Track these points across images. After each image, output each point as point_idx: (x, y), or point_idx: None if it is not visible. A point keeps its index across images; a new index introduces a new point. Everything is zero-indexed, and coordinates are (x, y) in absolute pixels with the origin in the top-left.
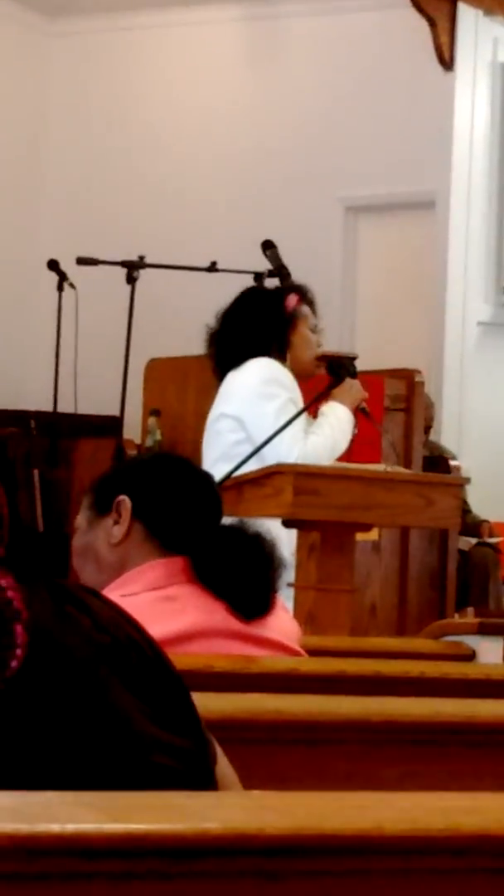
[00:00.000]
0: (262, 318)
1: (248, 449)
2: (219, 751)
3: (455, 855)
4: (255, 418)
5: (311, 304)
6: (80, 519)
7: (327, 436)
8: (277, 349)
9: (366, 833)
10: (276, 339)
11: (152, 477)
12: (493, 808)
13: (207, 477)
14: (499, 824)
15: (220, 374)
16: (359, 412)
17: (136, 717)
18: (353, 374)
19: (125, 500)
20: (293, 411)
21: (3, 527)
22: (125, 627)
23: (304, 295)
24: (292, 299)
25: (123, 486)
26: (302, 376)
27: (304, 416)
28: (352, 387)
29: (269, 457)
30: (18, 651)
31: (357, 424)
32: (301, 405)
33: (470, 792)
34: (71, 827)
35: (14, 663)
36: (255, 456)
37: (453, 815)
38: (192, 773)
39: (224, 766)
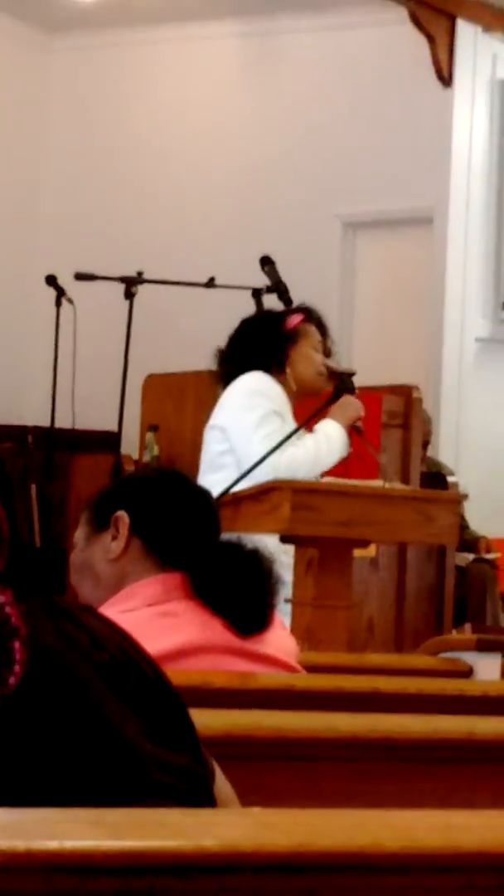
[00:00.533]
0: (261, 336)
1: (232, 459)
2: (217, 769)
3: (454, 872)
4: (237, 429)
5: (319, 323)
6: (79, 535)
7: (308, 450)
8: (276, 365)
9: (364, 850)
10: (275, 355)
11: (150, 493)
12: (492, 826)
13: (205, 493)
14: (497, 841)
15: (225, 385)
16: (353, 430)
17: (134, 734)
18: (351, 389)
19: (123, 516)
20: (276, 422)
21: (3, 544)
22: (123, 645)
23: (311, 314)
24: (294, 318)
25: (121, 501)
26: (307, 393)
27: (301, 431)
28: (349, 404)
29: (245, 462)
30: (17, 668)
31: (351, 443)
32: (288, 419)
33: (468, 809)
34: (69, 844)
35: (12, 680)
36: (236, 464)
37: (452, 832)
38: (190, 791)
39: (222, 784)
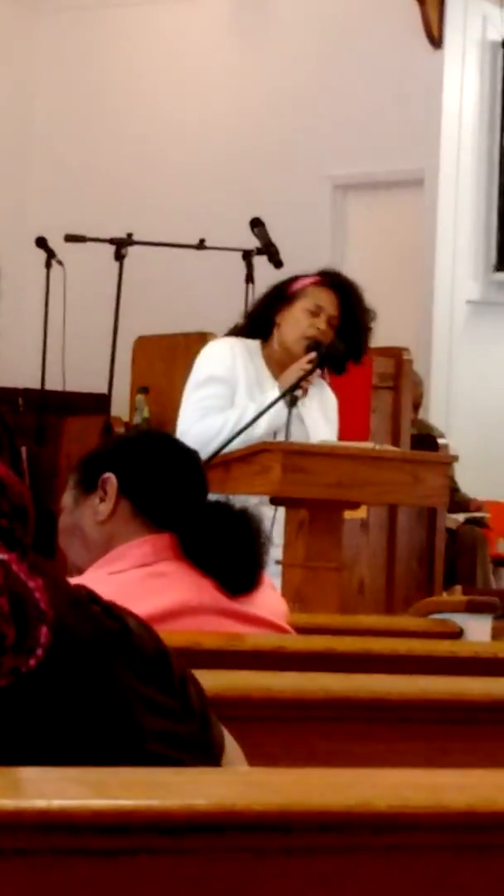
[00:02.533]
0: (264, 298)
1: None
2: (229, 742)
3: (443, 831)
4: (183, 395)
5: (337, 289)
6: (67, 498)
7: (227, 419)
8: (263, 328)
9: (354, 809)
10: (263, 319)
11: (138, 454)
12: (481, 786)
13: (193, 453)
14: (486, 801)
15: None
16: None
17: (142, 708)
18: (339, 351)
19: (111, 478)
20: (213, 388)
21: (29, 521)
22: (129, 621)
23: (327, 279)
24: (304, 280)
25: (109, 463)
26: (286, 353)
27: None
28: (296, 365)
29: (178, 425)
30: (39, 651)
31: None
32: (236, 382)
33: (458, 769)
34: (57, 802)
35: (33, 662)
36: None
37: (441, 791)
38: (195, 763)
39: (234, 758)
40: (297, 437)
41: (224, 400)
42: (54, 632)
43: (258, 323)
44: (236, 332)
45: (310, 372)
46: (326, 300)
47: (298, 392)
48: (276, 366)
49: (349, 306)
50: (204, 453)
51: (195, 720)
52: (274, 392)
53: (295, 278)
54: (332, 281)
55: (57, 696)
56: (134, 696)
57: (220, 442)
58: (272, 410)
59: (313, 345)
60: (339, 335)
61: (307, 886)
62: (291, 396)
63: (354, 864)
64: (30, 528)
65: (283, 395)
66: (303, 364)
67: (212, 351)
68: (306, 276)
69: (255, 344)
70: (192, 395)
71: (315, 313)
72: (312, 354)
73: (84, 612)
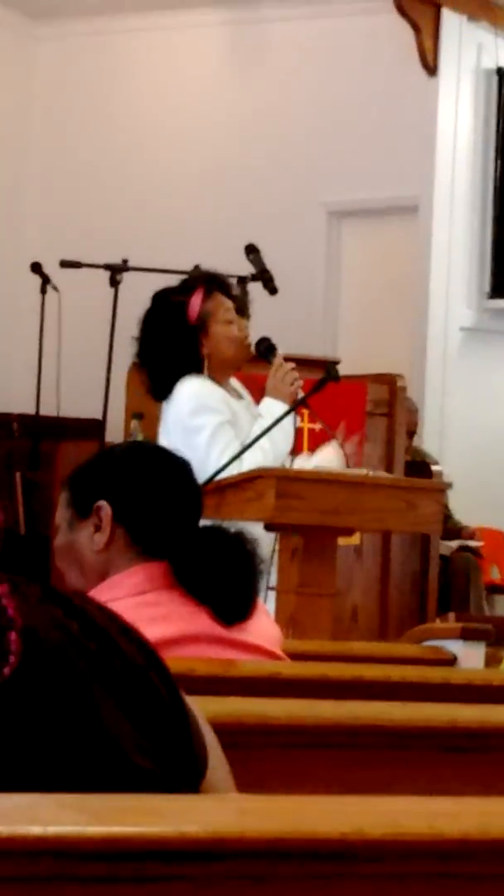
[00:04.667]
0: (170, 340)
1: None
2: (216, 760)
3: (436, 859)
4: (191, 452)
5: (221, 288)
6: (60, 518)
7: (267, 452)
8: (198, 362)
9: (347, 837)
10: (192, 355)
11: (131, 479)
12: (475, 813)
13: (185, 468)
14: (481, 829)
15: (157, 400)
16: (300, 406)
17: (119, 721)
18: (336, 377)
19: (105, 507)
20: (228, 430)
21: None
22: (112, 634)
23: (209, 284)
24: (194, 303)
25: (102, 488)
26: (237, 366)
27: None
28: (282, 379)
29: (202, 475)
30: (12, 658)
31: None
32: (238, 412)
33: (452, 797)
34: (52, 829)
35: (7, 670)
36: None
37: (435, 819)
38: (174, 779)
39: (220, 772)
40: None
41: (236, 441)
42: (24, 638)
43: (192, 366)
44: (166, 376)
45: (317, 389)
46: (226, 302)
47: (300, 394)
48: (225, 385)
49: (232, 294)
50: None
51: (179, 737)
52: (274, 404)
53: (181, 309)
54: (215, 285)
55: (32, 706)
56: (113, 712)
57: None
58: (285, 424)
59: (268, 345)
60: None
61: None
62: (296, 401)
63: (348, 892)
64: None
65: (293, 408)
66: (281, 368)
67: (205, 399)
68: (189, 298)
69: (206, 376)
70: (213, 450)
71: (230, 320)
72: (281, 355)
73: (60, 628)
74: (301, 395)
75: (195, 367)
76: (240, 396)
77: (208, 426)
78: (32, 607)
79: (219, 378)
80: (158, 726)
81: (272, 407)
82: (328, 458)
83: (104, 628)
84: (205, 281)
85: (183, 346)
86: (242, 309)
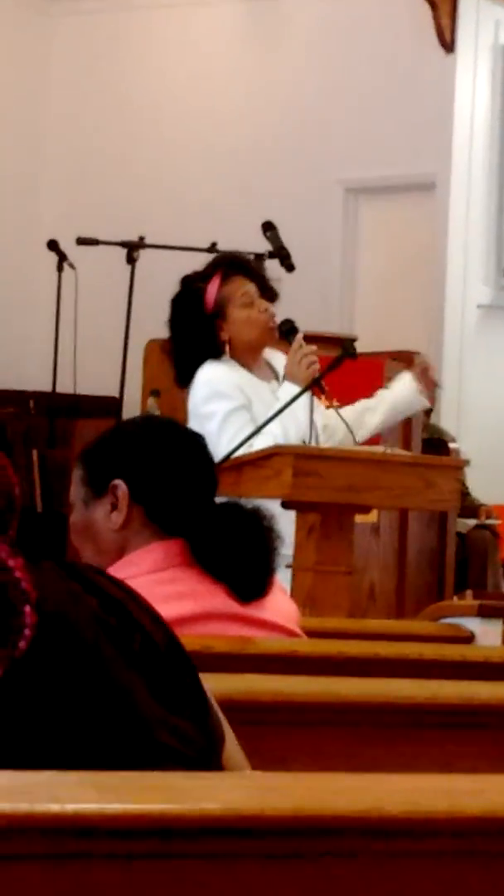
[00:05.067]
0: (190, 327)
1: None
2: (228, 733)
3: (456, 836)
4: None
5: (241, 270)
6: (75, 496)
7: (277, 436)
8: (219, 349)
9: (366, 814)
10: (212, 343)
11: (145, 456)
12: (494, 790)
13: (200, 443)
14: (499, 806)
15: (181, 387)
16: (315, 388)
17: (141, 697)
18: (353, 355)
19: (122, 486)
20: (238, 419)
21: (15, 509)
22: (131, 608)
23: (227, 268)
24: (211, 290)
25: (117, 467)
26: (261, 347)
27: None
28: (300, 361)
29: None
30: (27, 631)
31: (326, 395)
32: (257, 395)
33: (470, 774)
34: (71, 807)
35: (23, 643)
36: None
37: (454, 796)
38: (196, 754)
39: (233, 750)
40: (315, 424)
41: (250, 425)
42: (41, 613)
43: (211, 352)
44: (189, 363)
45: (333, 367)
46: (244, 285)
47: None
48: (255, 367)
49: (256, 275)
50: None
51: (198, 713)
52: (292, 388)
53: (199, 296)
54: (232, 268)
55: (50, 680)
56: (136, 687)
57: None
58: (296, 409)
59: (288, 327)
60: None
61: (319, 891)
62: (314, 383)
63: (367, 869)
64: (16, 514)
65: (307, 388)
66: (299, 350)
67: (218, 385)
68: (206, 285)
69: (227, 360)
70: (223, 438)
71: (250, 303)
72: (300, 336)
73: (79, 603)
74: (322, 384)
75: (214, 354)
76: (276, 377)
77: (219, 413)
78: (50, 582)
79: (247, 361)
80: (179, 702)
81: (288, 391)
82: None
83: (123, 604)
84: (224, 265)
85: (201, 333)
86: (267, 290)
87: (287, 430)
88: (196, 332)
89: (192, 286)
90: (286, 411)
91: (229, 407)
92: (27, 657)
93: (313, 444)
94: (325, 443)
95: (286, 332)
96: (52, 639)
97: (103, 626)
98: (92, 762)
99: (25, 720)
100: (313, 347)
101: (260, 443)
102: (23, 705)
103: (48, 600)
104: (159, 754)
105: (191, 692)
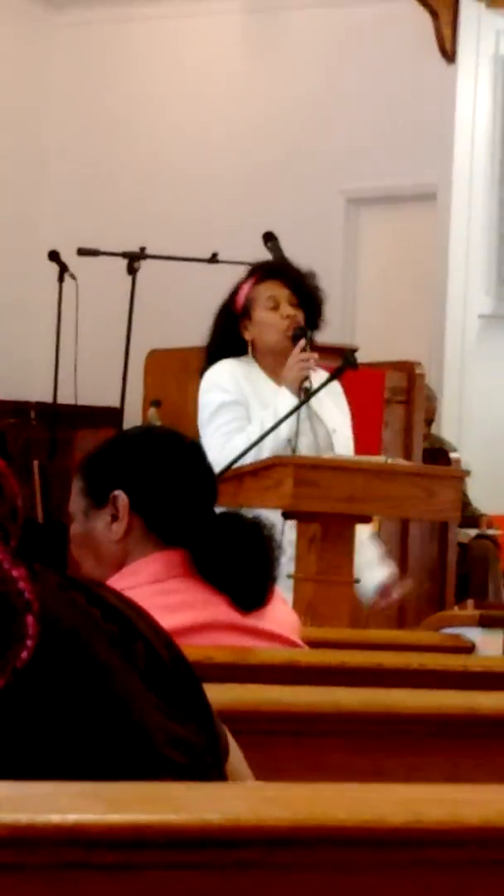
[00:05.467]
0: (218, 325)
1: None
2: (232, 745)
3: (457, 846)
4: (199, 429)
5: (277, 275)
6: (75, 506)
7: (250, 434)
8: (240, 349)
9: (367, 825)
10: (234, 342)
11: (145, 466)
12: (495, 801)
13: (199, 453)
14: (500, 816)
15: None
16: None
17: (145, 709)
18: (354, 365)
19: (122, 496)
20: (228, 413)
21: (18, 518)
22: (133, 619)
23: (263, 272)
24: (242, 291)
25: (117, 477)
26: (279, 353)
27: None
28: (294, 362)
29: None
30: (29, 642)
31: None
32: (246, 399)
33: (471, 784)
34: (72, 817)
35: (25, 654)
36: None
37: (454, 806)
38: (199, 766)
39: (237, 761)
40: (316, 430)
41: (241, 421)
42: (43, 623)
43: (231, 350)
44: (211, 362)
45: (335, 376)
46: (274, 289)
47: (307, 383)
48: (273, 374)
49: (294, 282)
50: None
51: (202, 724)
52: (284, 393)
53: (234, 294)
54: (267, 272)
55: (53, 691)
56: (140, 698)
57: (252, 457)
58: (286, 410)
59: (298, 332)
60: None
61: None
62: (301, 388)
63: (368, 880)
64: (18, 524)
65: (307, 398)
66: (297, 354)
67: (213, 379)
68: (243, 284)
69: (247, 359)
70: (209, 427)
71: (275, 307)
72: (302, 342)
73: (81, 613)
74: (309, 383)
75: (238, 352)
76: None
77: (211, 404)
78: (52, 593)
79: (268, 363)
80: (183, 713)
81: (281, 394)
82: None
83: (125, 615)
84: (263, 268)
85: (228, 331)
86: (305, 299)
87: (265, 429)
88: (224, 330)
89: (236, 286)
90: (269, 413)
91: (221, 399)
92: (29, 667)
93: (323, 446)
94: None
95: (294, 337)
96: (54, 648)
97: (106, 637)
98: (94, 773)
99: (27, 730)
100: (314, 354)
101: (233, 443)
102: (24, 715)
103: (50, 610)
104: (162, 766)
105: (194, 703)
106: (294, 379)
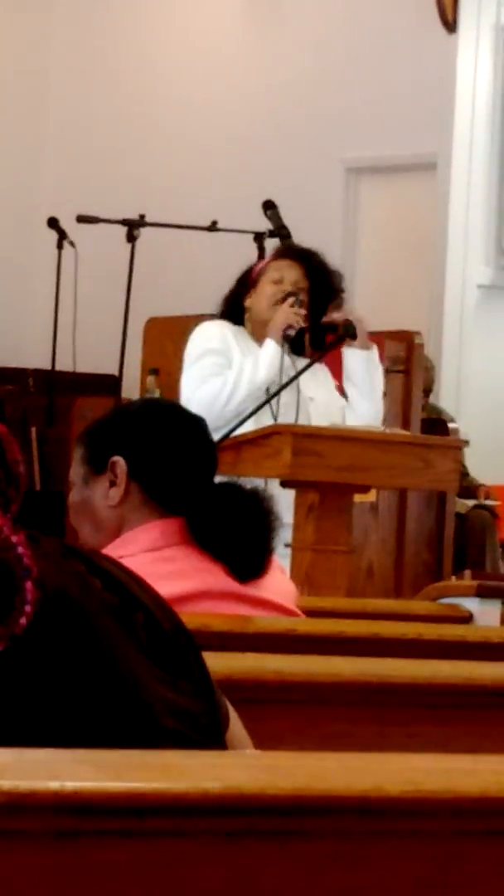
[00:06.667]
0: (233, 292)
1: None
2: (232, 714)
3: (455, 816)
4: (182, 375)
5: (295, 256)
6: (75, 474)
7: (227, 379)
8: (239, 314)
9: (365, 794)
10: (236, 307)
11: (147, 435)
12: (493, 771)
13: (201, 423)
14: (498, 786)
15: None
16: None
17: (145, 678)
18: (353, 335)
19: (120, 462)
20: (213, 357)
21: (20, 486)
22: (133, 589)
23: (284, 251)
24: (261, 264)
25: (117, 444)
26: (265, 325)
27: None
28: (286, 309)
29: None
30: (28, 608)
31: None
32: (230, 352)
33: (468, 754)
34: (71, 784)
35: (23, 620)
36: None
37: (452, 776)
38: (200, 736)
39: (237, 730)
40: (305, 410)
41: (222, 367)
42: (42, 590)
43: (231, 313)
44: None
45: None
46: (286, 268)
47: (290, 331)
48: (261, 341)
49: (313, 269)
50: (210, 416)
51: (202, 694)
52: (268, 342)
53: (253, 266)
54: (289, 252)
55: (55, 661)
56: (141, 667)
57: (225, 399)
58: (269, 355)
59: (287, 296)
60: (313, 299)
61: (318, 870)
62: (285, 335)
63: (366, 849)
64: (20, 492)
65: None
66: (286, 307)
67: (203, 329)
68: (265, 258)
69: (238, 327)
70: (191, 369)
71: (279, 281)
72: (292, 299)
73: (81, 582)
74: (290, 332)
75: (236, 318)
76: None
77: (195, 350)
78: (53, 560)
79: (258, 331)
80: (183, 681)
81: (265, 344)
82: None
83: (126, 585)
84: (284, 248)
85: (235, 300)
86: (318, 284)
87: (242, 373)
88: (234, 298)
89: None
90: (250, 362)
91: (207, 346)
92: (28, 634)
93: (301, 415)
94: (318, 417)
95: (284, 298)
96: (54, 616)
97: (106, 606)
98: (93, 742)
99: (26, 698)
100: (302, 311)
101: (205, 389)
102: (23, 683)
103: (50, 577)
104: (162, 735)
105: (195, 673)
106: (279, 324)
